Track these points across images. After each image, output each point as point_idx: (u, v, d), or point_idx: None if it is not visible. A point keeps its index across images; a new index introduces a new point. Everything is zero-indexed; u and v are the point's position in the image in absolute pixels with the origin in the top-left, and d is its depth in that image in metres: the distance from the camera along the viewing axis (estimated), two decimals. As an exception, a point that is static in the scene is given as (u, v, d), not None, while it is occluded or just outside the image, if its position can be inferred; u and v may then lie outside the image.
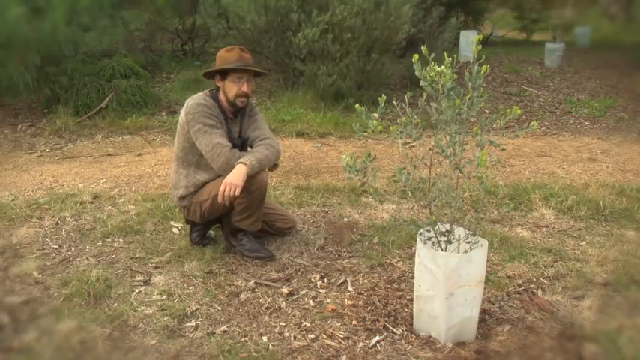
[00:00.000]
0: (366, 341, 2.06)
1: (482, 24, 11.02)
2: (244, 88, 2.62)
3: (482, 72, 1.83)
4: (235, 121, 2.73)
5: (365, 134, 1.96)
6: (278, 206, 3.01)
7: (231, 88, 2.62)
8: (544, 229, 3.05)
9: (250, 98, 2.75)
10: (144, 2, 7.29)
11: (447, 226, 2.02)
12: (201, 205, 2.67)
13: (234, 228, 2.70)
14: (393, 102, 1.98)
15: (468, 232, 2.01)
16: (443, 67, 1.82)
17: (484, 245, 1.96)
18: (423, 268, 2.00)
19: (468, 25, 10.13)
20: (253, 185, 2.52)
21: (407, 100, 1.88)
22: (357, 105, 1.96)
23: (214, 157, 2.54)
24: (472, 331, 2.03)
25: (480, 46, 1.81)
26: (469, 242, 1.98)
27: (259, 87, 6.79)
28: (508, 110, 1.85)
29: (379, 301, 2.32)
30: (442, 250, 2.01)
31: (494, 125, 1.87)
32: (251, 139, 2.73)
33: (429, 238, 2.02)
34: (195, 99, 2.64)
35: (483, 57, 1.82)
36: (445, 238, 2.01)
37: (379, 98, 1.93)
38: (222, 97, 2.68)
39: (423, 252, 1.99)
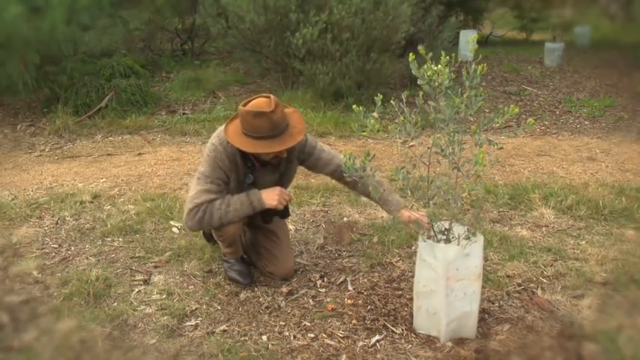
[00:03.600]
0: (366, 340, 2.06)
1: (482, 23, 11.02)
2: (283, 155, 2.27)
3: (479, 71, 1.83)
4: (266, 170, 2.37)
5: (364, 134, 1.96)
6: (280, 247, 2.53)
7: (264, 155, 2.27)
8: (544, 229, 3.05)
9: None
10: (143, 1, 7.28)
11: (447, 225, 2.02)
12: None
13: None
14: (391, 102, 1.98)
15: (467, 230, 2.01)
16: (440, 66, 1.82)
17: (479, 240, 1.97)
18: (422, 263, 2.00)
19: (467, 25, 10.14)
20: (222, 235, 2.37)
21: (404, 99, 1.88)
22: (354, 105, 1.95)
23: (186, 208, 2.26)
24: (472, 327, 2.04)
25: (477, 45, 1.80)
26: (468, 240, 1.99)
27: (259, 87, 6.79)
28: (506, 109, 1.85)
29: (379, 300, 2.32)
30: (441, 249, 2.01)
31: (493, 124, 1.88)
32: (335, 174, 2.46)
33: (429, 237, 2.02)
34: (220, 137, 2.27)
35: (480, 56, 1.82)
36: (444, 237, 2.02)
37: (376, 98, 1.92)
38: None
39: (422, 246, 2.01)
